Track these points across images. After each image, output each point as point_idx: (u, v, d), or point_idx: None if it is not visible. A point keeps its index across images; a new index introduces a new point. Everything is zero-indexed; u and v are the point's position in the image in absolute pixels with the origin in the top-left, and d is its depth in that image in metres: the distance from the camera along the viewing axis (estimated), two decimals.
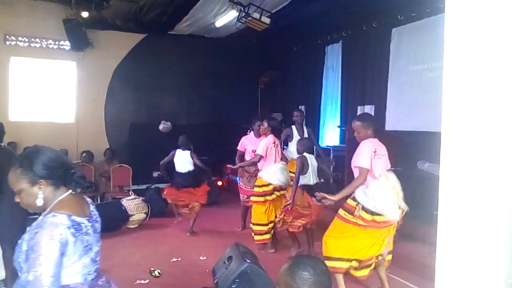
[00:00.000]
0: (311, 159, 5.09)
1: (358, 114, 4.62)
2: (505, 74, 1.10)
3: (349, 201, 3.92)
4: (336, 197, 3.89)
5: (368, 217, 3.79)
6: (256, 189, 5.50)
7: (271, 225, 5.43)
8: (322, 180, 5.27)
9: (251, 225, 5.56)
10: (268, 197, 5.41)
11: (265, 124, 5.68)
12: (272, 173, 5.41)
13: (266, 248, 5.44)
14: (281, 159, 5.66)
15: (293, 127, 6.30)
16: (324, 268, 1.69)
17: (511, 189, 1.08)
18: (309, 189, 4.92)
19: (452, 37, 1.21)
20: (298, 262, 1.67)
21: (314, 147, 5.92)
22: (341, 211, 3.95)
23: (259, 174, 5.52)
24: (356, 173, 3.89)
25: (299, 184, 4.94)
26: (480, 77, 1.14)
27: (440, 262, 1.18)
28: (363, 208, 3.79)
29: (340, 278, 3.92)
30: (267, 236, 5.45)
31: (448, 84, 1.21)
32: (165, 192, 6.48)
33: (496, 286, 1.07)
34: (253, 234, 5.50)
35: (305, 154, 5.04)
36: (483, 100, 1.13)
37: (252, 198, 5.53)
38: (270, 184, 5.40)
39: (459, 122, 1.18)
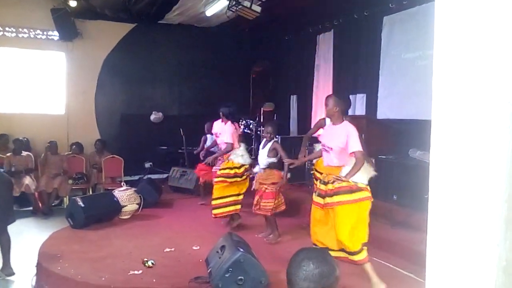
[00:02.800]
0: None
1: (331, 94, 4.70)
2: (495, 62, 1.09)
3: (343, 184, 3.77)
4: (347, 178, 3.79)
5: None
6: (227, 171, 5.73)
7: (226, 199, 5.81)
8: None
9: (212, 201, 5.85)
10: (237, 179, 5.74)
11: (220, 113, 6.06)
12: (241, 154, 5.77)
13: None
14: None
15: (327, 118, 6.26)
16: (328, 258, 1.62)
17: (502, 172, 1.08)
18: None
19: (442, 25, 1.20)
20: (301, 256, 1.62)
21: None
22: (353, 195, 3.75)
23: (230, 157, 5.84)
24: (337, 154, 4.03)
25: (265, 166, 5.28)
26: (470, 65, 1.13)
27: (431, 246, 1.18)
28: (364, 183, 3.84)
29: (369, 266, 3.80)
30: (224, 209, 5.82)
31: (438, 71, 1.21)
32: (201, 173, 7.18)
33: (489, 270, 1.08)
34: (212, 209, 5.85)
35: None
36: (473, 88, 1.13)
37: (220, 178, 5.77)
38: (242, 165, 5.71)
39: (449, 110, 1.17)
